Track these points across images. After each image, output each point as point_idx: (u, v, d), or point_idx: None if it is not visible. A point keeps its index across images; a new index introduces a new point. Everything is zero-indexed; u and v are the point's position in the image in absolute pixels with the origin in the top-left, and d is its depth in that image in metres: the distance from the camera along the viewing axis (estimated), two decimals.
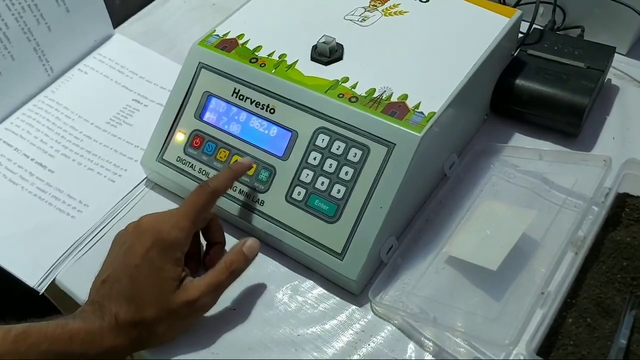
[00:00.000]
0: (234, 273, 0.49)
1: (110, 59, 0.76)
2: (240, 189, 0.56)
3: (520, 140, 0.62)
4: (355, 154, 0.52)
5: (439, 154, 0.56)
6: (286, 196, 0.54)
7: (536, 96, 0.60)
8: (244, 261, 0.50)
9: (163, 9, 0.85)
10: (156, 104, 0.71)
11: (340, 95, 0.54)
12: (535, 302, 0.45)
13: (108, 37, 0.78)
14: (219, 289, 0.49)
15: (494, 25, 0.58)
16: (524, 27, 0.63)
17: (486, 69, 0.57)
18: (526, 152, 0.58)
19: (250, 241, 0.51)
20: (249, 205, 0.55)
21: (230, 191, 0.56)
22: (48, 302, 0.61)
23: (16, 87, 0.69)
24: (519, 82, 0.61)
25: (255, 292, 0.53)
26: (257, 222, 0.55)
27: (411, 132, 0.50)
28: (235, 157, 0.57)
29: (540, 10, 0.69)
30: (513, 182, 0.57)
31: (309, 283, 0.53)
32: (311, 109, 0.54)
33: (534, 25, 0.64)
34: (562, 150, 0.60)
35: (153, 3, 0.86)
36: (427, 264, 0.53)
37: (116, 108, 0.70)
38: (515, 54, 0.64)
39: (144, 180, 0.63)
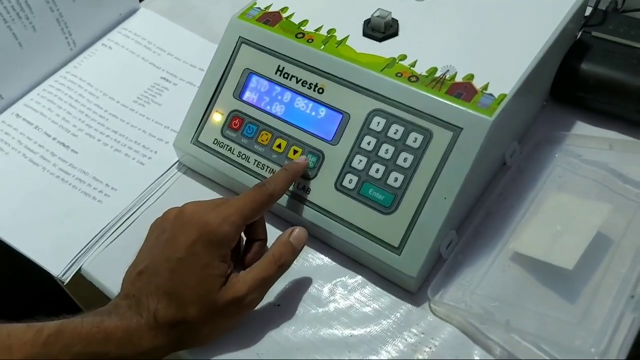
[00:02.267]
0: (283, 266, 0.45)
1: (136, 34, 0.71)
2: None
3: (583, 129, 0.57)
4: (416, 138, 0.47)
5: (503, 141, 0.51)
6: (336, 184, 0.49)
7: (604, 81, 0.55)
8: (292, 252, 0.46)
9: None
10: (186, 83, 0.66)
11: (399, 75, 0.49)
12: (625, 305, 0.40)
13: (133, 11, 0.73)
14: (267, 283, 0.45)
15: (563, 3, 0.53)
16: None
17: (554, 50, 0.52)
18: (593, 141, 0.54)
19: (298, 230, 0.47)
20: (294, 193, 0.51)
21: None
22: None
23: (37, 60, 0.65)
24: (584, 66, 0.56)
25: (301, 287, 0.49)
26: (303, 211, 0.50)
27: (481, 115, 0.45)
28: (278, 141, 0.52)
29: None
30: (579, 174, 0.52)
31: (359, 279, 0.49)
32: (365, 89, 0.49)
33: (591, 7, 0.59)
34: (630, 140, 0.56)
35: None
36: (490, 260, 0.48)
37: (143, 86, 0.65)
38: (579, 36, 0.59)
39: (176, 164, 0.59)
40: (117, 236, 0.54)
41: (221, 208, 0.45)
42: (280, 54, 0.53)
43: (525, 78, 0.48)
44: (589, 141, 0.54)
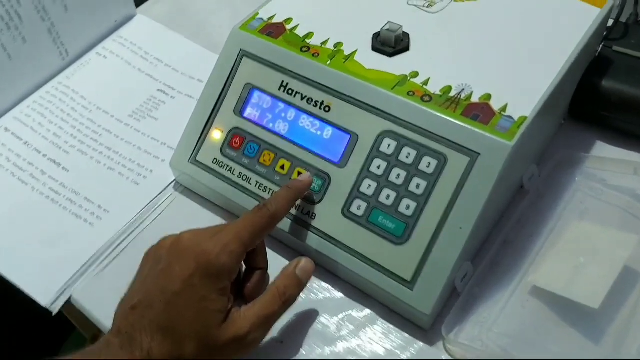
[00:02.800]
0: (288, 301, 0.42)
1: (132, 43, 0.68)
2: None
3: (604, 150, 0.54)
4: (429, 163, 0.44)
5: (522, 165, 0.48)
6: (343, 210, 0.46)
7: (627, 100, 0.52)
8: (298, 286, 0.43)
9: None
10: (184, 96, 0.63)
11: (411, 93, 0.46)
12: None
13: (129, 18, 0.70)
14: (270, 320, 0.41)
15: (585, 16, 0.50)
16: None
17: (576, 67, 0.48)
18: (617, 164, 0.50)
19: (304, 262, 0.43)
20: (297, 218, 0.48)
21: None
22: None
23: (27, 71, 0.62)
24: (605, 83, 0.53)
25: (306, 321, 0.46)
26: (307, 238, 0.47)
27: (500, 140, 0.42)
28: (281, 162, 0.49)
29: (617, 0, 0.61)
30: (602, 200, 0.49)
31: (368, 313, 0.46)
32: (375, 108, 0.46)
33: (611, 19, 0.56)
34: None
35: None
36: (508, 294, 0.45)
37: (139, 99, 0.62)
38: (599, 51, 0.56)
39: (172, 183, 0.56)
40: (110, 262, 0.51)
41: (219, 236, 0.41)
42: (284, 68, 0.50)
43: (546, 98, 0.44)
44: (611, 164, 0.50)
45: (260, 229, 0.42)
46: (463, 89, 0.45)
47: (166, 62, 0.66)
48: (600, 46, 0.56)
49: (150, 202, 0.54)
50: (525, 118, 0.43)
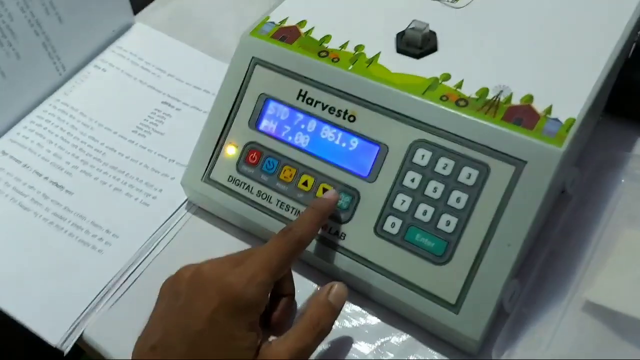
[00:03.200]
0: (322, 332, 0.38)
1: (132, 53, 0.64)
2: None
3: None
4: (470, 174, 0.40)
5: (567, 170, 0.44)
6: (375, 228, 0.42)
7: None
8: (332, 314, 0.39)
9: None
10: (190, 108, 0.59)
11: (444, 98, 0.42)
12: None
13: (128, 27, 0.66)
14: (305, 354, 0.37)
15: (625, 5, 0.46)
16: None
17: (618, 61, 0.45)
18: None
19: (337, 287, 0.39)
20: (325, 239, 0.44)
21: None
22: None
23: (23, 89, 0.58)
24: None
25: (341, 351, 0.42)
26: (337, 260, 0.43)
27: (549, 145, 0.38)
28: (304, 177, 0.45)
29: None
30: None
31: (408, 338, 0.42)
32: (405, 116, 0.42)
33: None
34: None
35: None
36: (560, 312, 0.41)
37: (143, 113, 0.58)
38: (637, 41, 0.52)
39: (185, 203, 0.52)
40: (123, 293, 0.47)
41: (244, 266, 0.38)
42: (302, 76, 0.46)
43: (594, 97, 0.41)
44: None
45: (287, 256, 0.38)
46: (501, 91, 0.41)
47: (169, 72, 0.62)
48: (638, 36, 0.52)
49: (163, 224, 0.50)
50: (573, 120, 0.39)
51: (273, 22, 0.49)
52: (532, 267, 0.43)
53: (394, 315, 0.43)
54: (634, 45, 0.51)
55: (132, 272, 0.48)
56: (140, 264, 0.48)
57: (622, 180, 0.47)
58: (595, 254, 0.44)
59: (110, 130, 0.57)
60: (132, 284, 0.47)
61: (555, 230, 0.45)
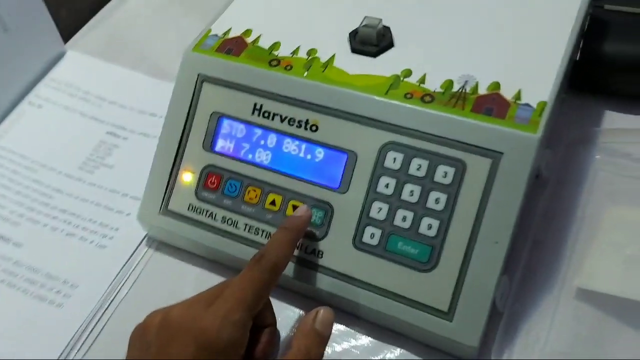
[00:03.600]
0: None
1: (67, 84, 0.59)
2: None
3: (616, 120, 0.49)
4: (446, 172, 0.38)
5: (541, 154, 0.43)
6: (354, 241, 0.40)
7: (634, 60, 0.47)
8: (321, 343, 0.36)
9: (121, 11, 0.68)
10: (138, 135, 0.55)
11: (408, 96, 0.40)
12: None
13: (59, 56, 0.62)
14: None
15: None
16: None
17: (577, 36, 0.43)
18: (637, 134, 0.46)
19: (323, 312, 0.37)
20: (302, 259, 0.41)
21: None
22: None
23: None
24: (606, 47, 0.48)
25: None
26: (317, 280, 0.40)
27: (523, 133, 0.36)
28: (270, 197, 0.42)
29: None
30: (632, 176, 0.44)
31: (401, 353, 0.40)
32: (371, 119, 0.40)
33: None
34: None
35: (107, 6, 0.69)
36: (553, 304, 0.40)
37: (88, 147, 0.54)
38: (590, 13, 0.51)
39: (145, 239, 0.48)
40: (90, 346, 0.43)
41: (217, 304, 0.34)
42: (254, 88, 0.43)
43: (562, 76, 0.39)
44: (633, 135, 0.46)
45: (263, 286, 0.35)
46: (466, 81, 0.39)
47: (110, 99, 0.58)
48: (591, 8, 0.51)
49: (124, 266, 0.46)
50: (544, 103, 0.37)
51: (216, 35, 0.46)
52: (517, 260, 0.41)
53: (385, 331, 0.40)
54: (588, 17, 0.50)
55: (96, 323, 0.44)
56: (104, 312, 0.44)
57: (597, 157, 0.46)
58: (580, 236, 0.42)
59: (55, 170, 0.53)
60: (98, 335, 0.43)
61: (535, 218, 0.43)
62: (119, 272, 0.46)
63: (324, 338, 0.36)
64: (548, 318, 0.39)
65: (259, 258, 0.36)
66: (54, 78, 0.60)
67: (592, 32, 0.49)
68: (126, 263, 0.46)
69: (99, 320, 0.44)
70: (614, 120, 0.49)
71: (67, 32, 0.65)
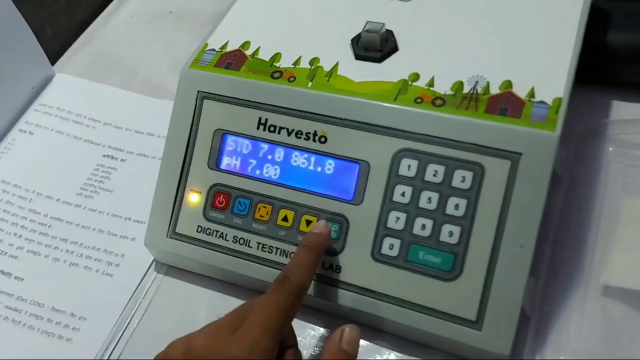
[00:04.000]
0: None
1: (58, 108, 0.57)
2: None
3: (625, 110, 0.48)
4: (464, 177, 0.37)
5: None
6: (373, 253, 0.38)
7: (638, 49, 0.47)
8: None
9: (107, 29, 0.66)
10: (136, 156, 0.53)
11: (419, 100, 0.38)
12: None
13: (48, 80, 0.60)
14: None
15: None
16: None
17: (585, 27, 0.43)
18: None
19: (348, 331, 0.35)
20: (320, 276, 0.39)
21: (285, 259, 0.40)
22: None
23: None
24: (611, 37, 0.47)
25: None
26: (338, 296, 0.39)
27: (542, 131, 0.35)
28: (282, 213, 0.41)
29: None
30: None
31: None
32: (381, 126, 0.39)
33: None
34: None
35: (93, 24, 0.67)
36: (580, 303, 0.39)
37: (85, 172, 0.52)
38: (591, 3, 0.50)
39: (153, 264, 0.46)
40: None
41: (243, 332, 0.33)
42: (258, 102, 0.42)
43: (574, 69, 0.38)
44: None
45: (289, 311, 0.34)
46: (477, 82, 0.38)
47: (105, 120, 0.56)
48: None
49: (133, 293, 0.45)
50: (560, 100, 0.37)
51: (213, 50, 0.45)
52: (540, 261, 0.40)
53: (411, 343, 0.39)
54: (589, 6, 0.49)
55: (109, 355, 0.42)
56: (117, 344, 0.42)
57: (610, 149, 0.45)
58: (600, 232, 0.41)
59: (52, 197, 0.51)
60: None
61: (553, 217, 0.43)
62: (129, 301, 0.44)
63: (351, 357, 0.35)
64: (576, 317, 0.38)
65: (282, 280, 0.35)
66: (44, 103, 0.58)
67: (595, 22, 0.48)
68: (135, 290, 0.45)
69: (112, 352, 0.42)
70: (621, 110, 0.48)
71: (53, 53, 0.63)
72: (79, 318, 0.44)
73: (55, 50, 0.64)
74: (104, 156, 0.53)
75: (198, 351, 0.33)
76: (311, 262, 0.36)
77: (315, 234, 0.38)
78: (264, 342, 0.32)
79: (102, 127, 0.56)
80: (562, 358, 0.37)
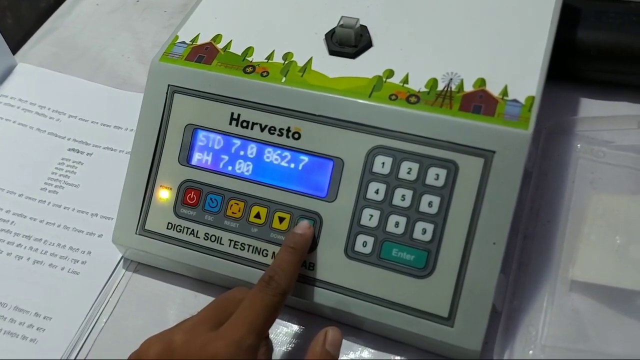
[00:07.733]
0: None
1: (21, 100, 0.55)
2: (273, 253, 0.40)
3: (592, 108, 0.49)
4: (437, 175, 0.37)
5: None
6: (346, 251, 0.38)
7: (608, 48, 0.47)
8: None
9: (72, 17, 0.64)
10: (103, 149, 0.52)
11: (393, 97, 0.38)
12: None
13: (10, 70, 0.58)
14: None
15: None
16: None
17: (557, 26, 0.43)
18: (617, 121, 0.45)
19: (331, 334, 0.35)
20: None
21: (257, 257, 0.40)
22: None
23: None
24: (580, 34, 0.48)
25: None
26: (312, 294, 0.39)
27: (515, 130, 0.36)
28: (254, 209, 0.40)
29: None
30: (612, 163, 0.44)
31: None
32: (355, 123, 0.38)
33: None
34: None
35: (56, 12, 0.65)
36: (548, 298, 0.39)
37: (49, 166, 0.51)
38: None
39: (121, 261, 0.45)
40: None
41: (227, 329, 0.33)
42: (230, 97, 0.41)
43: (546, 68, 0.38)
44: (609, 122, 0.46)
45: (274, 310, 0.34)
46: (451, 79, 0.38)
47: (70, 112, 0.54)
48: None
49: (101, 292, 0.44)
50: (532, 98, 0.37)
51: (184, 42, 0.44)
52: (510, 256, 0.41)
53: (385, 340, 0.39)
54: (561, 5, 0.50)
55: (76, 356, 0.41)
56: (83, 344, 0.41)
57: (578, 145, 0.46)
58: (568, 227, 0.42)
59: (15, 193, 0.49)
60: None
61: (523, 213, 0.43)
62: (96, 299, 0.43)
63: (334, 358, 0.35)
64: (544, 312, 0.39)
65: (268, 280, 0.35)
66: (6, 94, 0.56)
67: (564, 20, 0.49)
68: (103, 288, 0.44)
69: (78, 353, 0.41)
70: (590, 108, 0.49)
71: (15, 42, 0.61)
72: (44, 318, 0.43)
73: (16, 38, 0.62)
74: (70, 150, 0.52)
75: (179, 348, 0.32)
76: (295, 263, 0.36)
77: (299, 235, 0.38)
78: (249, 340, 0.32)
79: (66, 119, 0.54)
80: (531, 352, 0.37)
